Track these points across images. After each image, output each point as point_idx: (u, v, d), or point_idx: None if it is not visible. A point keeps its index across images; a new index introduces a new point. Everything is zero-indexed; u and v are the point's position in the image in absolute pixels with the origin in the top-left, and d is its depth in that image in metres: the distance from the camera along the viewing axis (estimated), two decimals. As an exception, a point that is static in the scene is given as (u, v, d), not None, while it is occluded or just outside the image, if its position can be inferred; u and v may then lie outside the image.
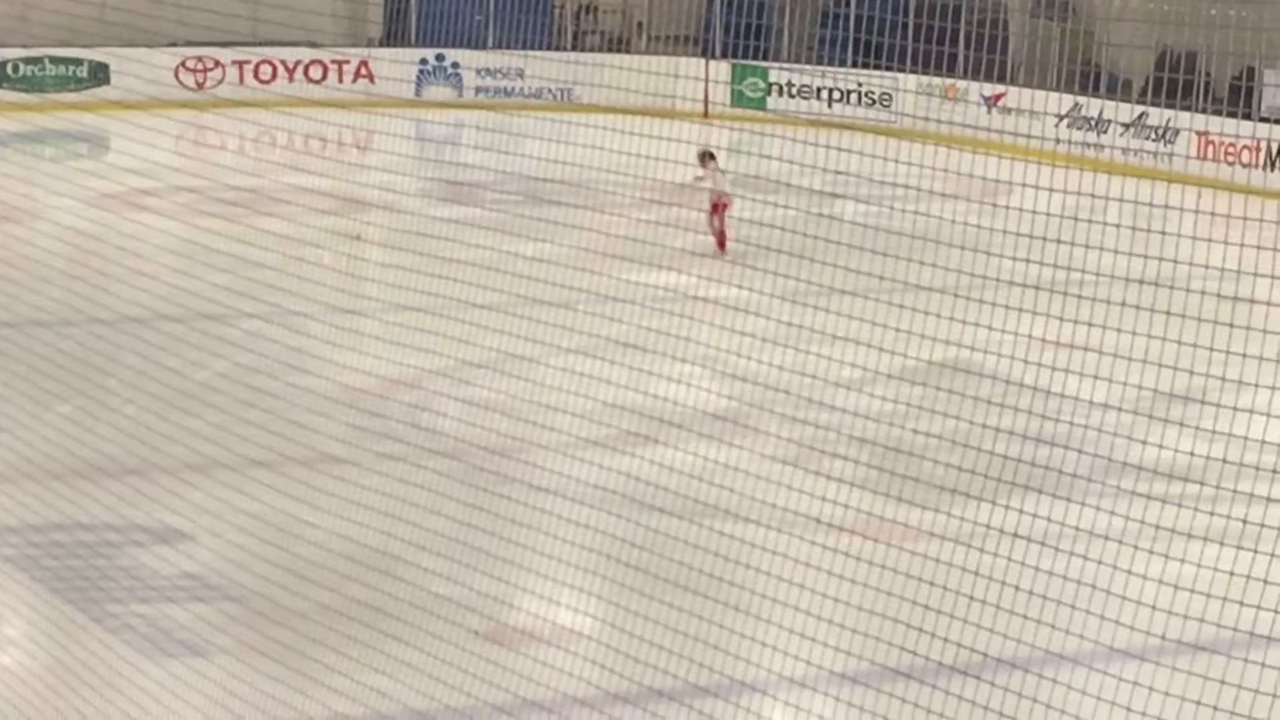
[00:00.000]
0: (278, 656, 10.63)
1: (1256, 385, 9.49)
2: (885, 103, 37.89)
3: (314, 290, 16.19)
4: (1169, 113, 32.55)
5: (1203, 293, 10.24)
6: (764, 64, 39.17)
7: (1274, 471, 9.46)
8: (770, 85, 39.30)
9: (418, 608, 10.77)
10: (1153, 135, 33.28)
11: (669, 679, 9.69)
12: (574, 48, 41.48)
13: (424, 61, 39.44)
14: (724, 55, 38.76)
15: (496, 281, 13.06)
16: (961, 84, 35.97)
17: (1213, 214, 10.88)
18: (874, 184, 12.94)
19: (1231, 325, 9.52)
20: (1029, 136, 29.23)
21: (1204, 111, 31.62)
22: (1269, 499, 9.14)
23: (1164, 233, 9.77)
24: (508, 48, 39.48)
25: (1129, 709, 8.34)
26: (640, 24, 42.44)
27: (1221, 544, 8.71)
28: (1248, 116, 32.02)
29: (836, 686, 9.81)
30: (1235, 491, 9.70)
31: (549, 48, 41.02)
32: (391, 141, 22.87)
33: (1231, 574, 8.53)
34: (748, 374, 13.62)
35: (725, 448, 13.09)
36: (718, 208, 23.76)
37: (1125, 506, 9.48)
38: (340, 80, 37.54)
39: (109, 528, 13.19)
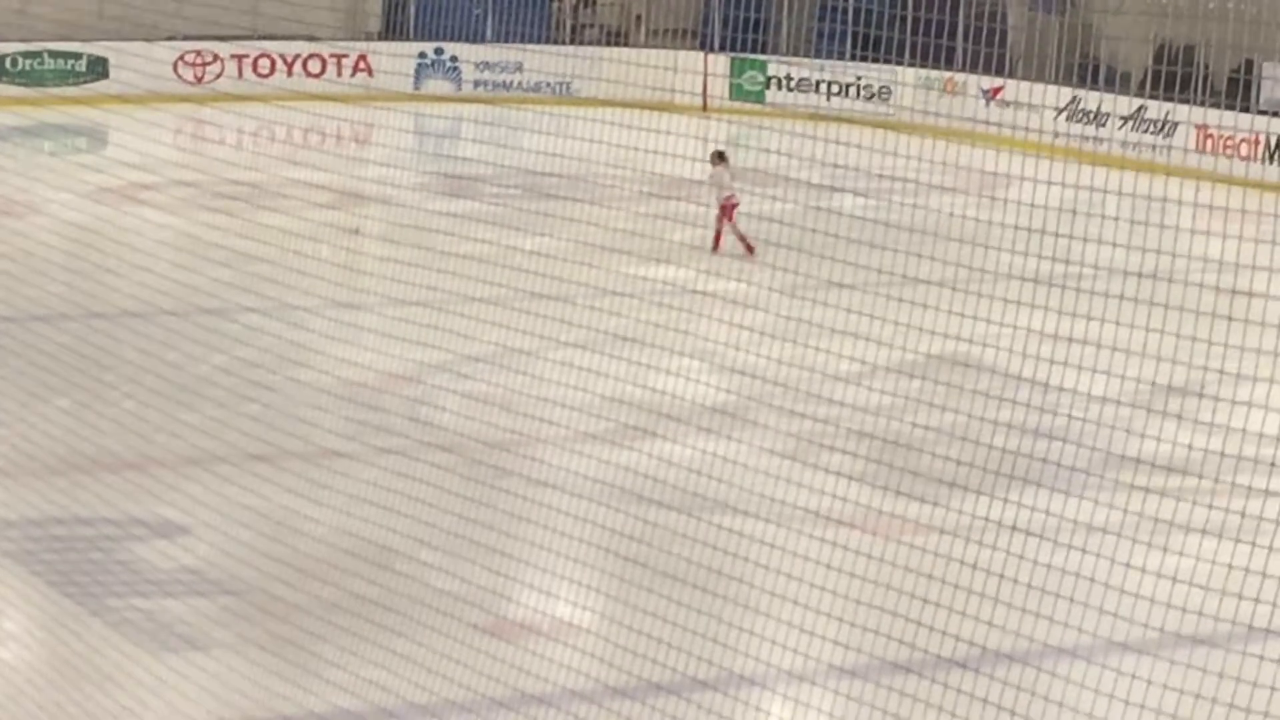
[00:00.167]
0: (277, 650, 10.63)
1: (1255, 378, 9.50)
2: (884, 96, 37.88)
3: (313, 284, 16.18)
4: (1168, 106, 32.55)
5: (1201, 285, 10.24)
6: (763, 57, 39.17)
7: (1272, 464, 9.47)
8: (769, 79, 39.30)
9: (417, 602, 10.77)
10: (1151, 128, 33.27)
11: (669, 673, 9.69)
12: (572, 41, 41.49)
13: (423, 55, 39.43)
14: (723, 49, 38.75)
15: (495, 275, 13.06)
16: (960, 77, 35.96)
17: (1211, 207, 10.89)
18: (873, 177, 12.93)
19: (1230, 318, 9.52)
20: (1028, 130, 29.21)
21: (1203, 104, 31.62)
22: (1267, 492, 9.15)
23: (1163, 226, 9.77)
24: (506, 41, 39.47)
25: (1128, 702, 8.34)
26: (639, 17, 42.43)
27: (1220, 537, 8.73)
28: (1246, 109, 32.02)
29: (835, 680, 9.82)
30: (1234, 484, 9.72)
31: (547, 41, 41.02)
32: (390, 135, 22.92)
33: (1230, 567, 8.53)
34: (747, 368, 13.63)
35: (724, 441, 13.09)
36: (726, 209, 23.73)
37: (1124, 500, 9.49)
38: (339, 74, 37.53)
39: (108, 522, 13.18)
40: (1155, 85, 32.38)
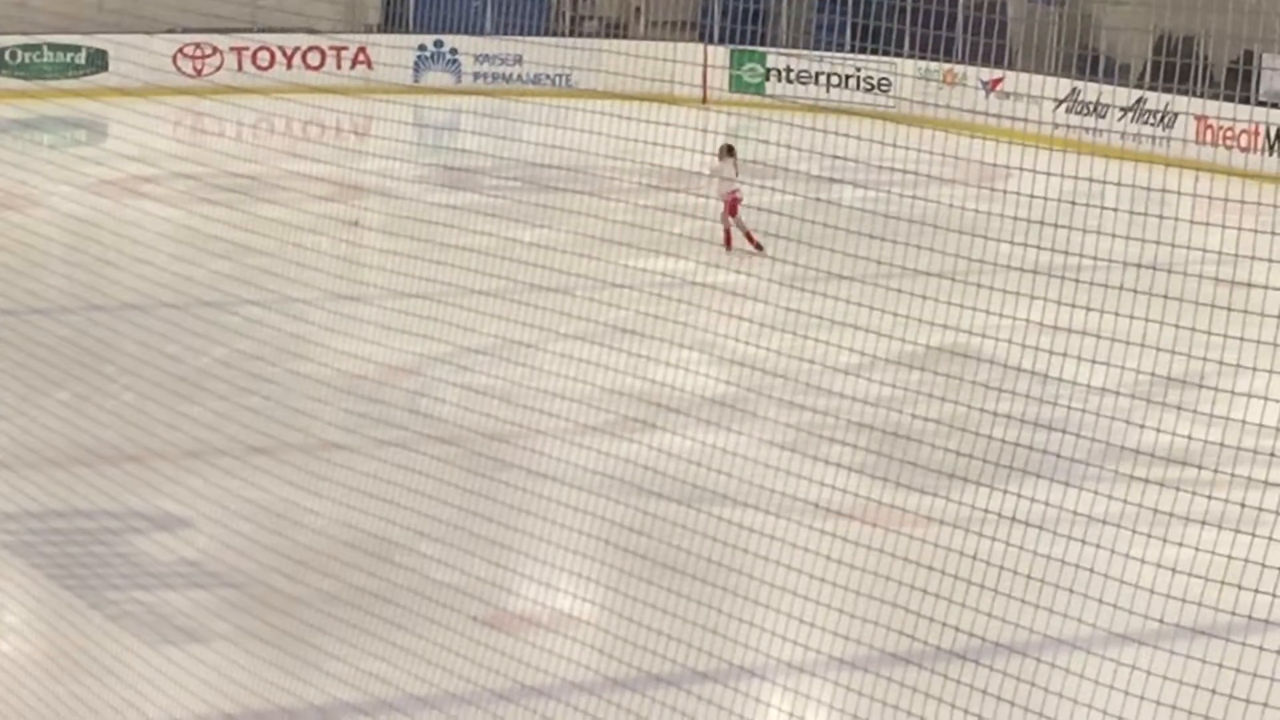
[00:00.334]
0: (277, 643, 10.64)
1: (1254, 369, 9.50)
2: (884, 87, 37.87)
3: (313, 276, 16.17)
4: (1167, 97, 32.54)
5: (1201, 276, 10.24)
6: (762, 49, 39.16)
7: (1272, 455, 9.46)
8: (769, 70, 39.28)
9: (417, 594, 10.77)
10: (1151, 119, 33.26)
11: (668, 664, 9.69)
12: (572, 33, 41.47)
13: (422, 48, 39.42)
14: (722, 40, 38.75)
15: (495, 267, 13.05)
16: (960, 68, 35.96)
17: (1211, 198, 10.88)
18: (872, 169, 12.92)
19: (1229, 309, 9.52)
20: (1027, 121, 29.22)
21: (1202, 95, 31.61)
22: (1267, 482, 9.15)
23: (1162, 217, 9.77)
24: (506, 34, 39.45)
25: (1127, 692, 8.34)
26: (638, 9, 42.41)
27: (1219, 528, 8.72)
28: (1246, 100, 32.02)
29: (835, 671, 9.82)
30: (1233, 475, 9.71)
31: (547, 34, 41.00)
32: (390, 128, 22.91)
33: (1229, 558, 8.54)
34: (747, 359, 13.63)
35: (724, 433, 13.09)
36: (728, 204, 23.63)
37: (1123, 490, 9.48)
38: (338, 66, 37.53)
39: (108, 514, 13.19)
40: (1155, 76, 32.41)
